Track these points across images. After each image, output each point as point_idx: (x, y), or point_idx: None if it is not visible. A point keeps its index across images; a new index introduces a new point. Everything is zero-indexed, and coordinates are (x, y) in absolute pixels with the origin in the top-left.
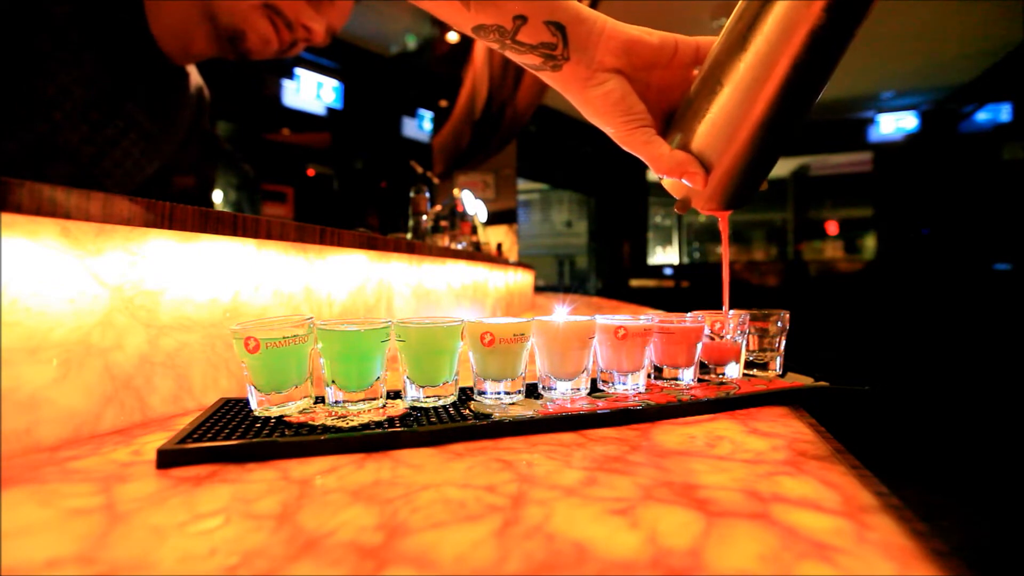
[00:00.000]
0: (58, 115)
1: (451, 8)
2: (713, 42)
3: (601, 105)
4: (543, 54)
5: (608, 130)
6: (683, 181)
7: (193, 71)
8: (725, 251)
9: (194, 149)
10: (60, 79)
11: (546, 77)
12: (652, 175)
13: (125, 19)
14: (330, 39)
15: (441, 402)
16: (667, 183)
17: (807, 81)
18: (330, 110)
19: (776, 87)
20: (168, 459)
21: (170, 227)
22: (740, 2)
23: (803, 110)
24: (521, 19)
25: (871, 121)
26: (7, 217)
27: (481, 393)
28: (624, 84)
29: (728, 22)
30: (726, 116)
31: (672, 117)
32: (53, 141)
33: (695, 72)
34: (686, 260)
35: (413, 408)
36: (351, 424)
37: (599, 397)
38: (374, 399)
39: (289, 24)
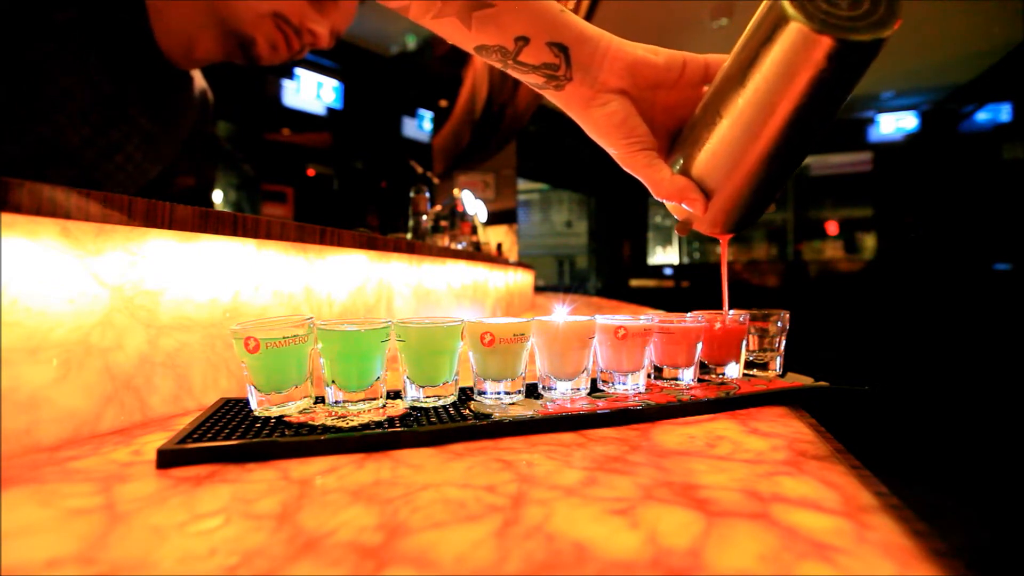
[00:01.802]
0: (60, 118)
1: (452, 28)
2: (721, 61)
3: (604, 126)
4: (545, 74)
5: (610, 150)
6: (683, 206)
7: (197, 74)
8: (724, 271)
9: (196, 152)
10: (62, 82)
11: (549, 95)
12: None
13: (128, 22)
14: (334, 42)
15: (441, 402)
16: (669, 205)
17: (808, 122)
18: (330, 110)
19: (777, 127)
20: (168, 459)
21: (170, 227)
22: (745, 31)
23: (805, 146)
24: (523, 40)
25: (871, 121)
26: (7, 217)
27: (481, 393)
28: (627, 105)
29: (734, 49)
30: (725, 148)
31: (677, 136)
32: (55, 144)
33: (704, 90)
34: (686, 260)
35: (413, 408)
36: (351, 424)
37: (599, 397)
38: (374, 399)
39: (297, 31)
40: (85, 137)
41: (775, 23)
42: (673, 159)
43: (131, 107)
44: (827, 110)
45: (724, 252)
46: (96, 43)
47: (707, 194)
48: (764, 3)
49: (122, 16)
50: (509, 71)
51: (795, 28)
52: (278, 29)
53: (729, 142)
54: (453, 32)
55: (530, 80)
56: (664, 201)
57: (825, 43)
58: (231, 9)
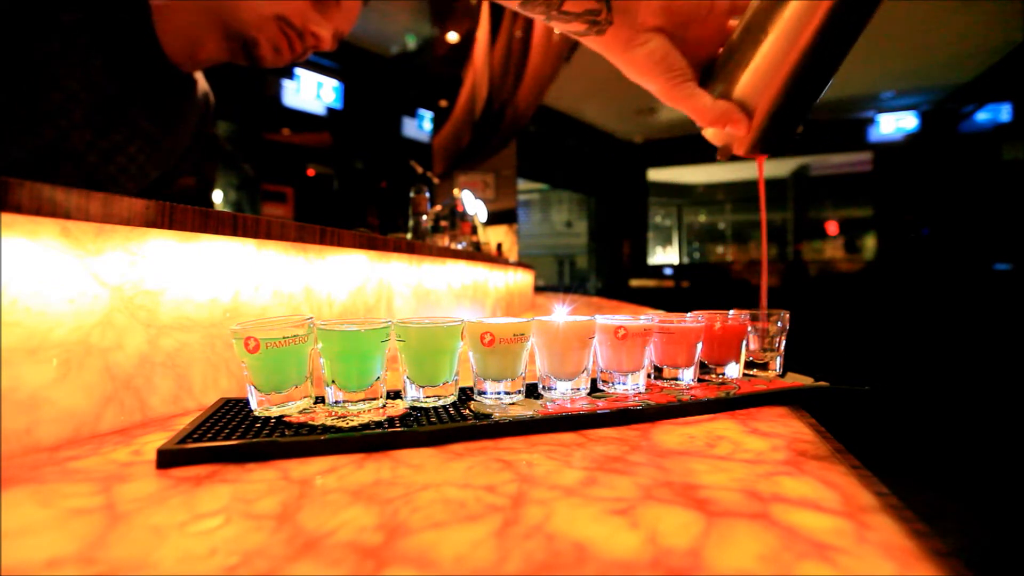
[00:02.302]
0: (63, 121)
1: None
2: None
3: (645, 64)
4: (588, 20)
5: (651, 86)
6: (726, 129)
7: (199, 76)
8: (762, 193)
9: (198, 153)
10: (68, 85)
11: (589, 42)
12: (653, 175)
13: (132, 25)
14: (337, 44)
15: (441, 402)
16: (708, 132)
17: (843, 28)
18: (330, 110)
19: (815, 28)
20: (168, 459)
21: (170, 227)
22: None
23: (837, 58)
24: None
25: (871, 121)
26: (7, 217)
27: (481, 393)
28: (666, 42)
29: None
30: (768, 62)
31: (705, 69)
32: (58, 146)
33: (731, 24)
34: (686, 260)
35: (413, 408)
36: (351, 424)
37: (599, 397)
38: (374, 399)
39: (300, 34)
40: (87, 140)
41: None
42: (712, 86)
43: (134, 109)
44: (858, 17)
45: (761, 172)
46: (101, 45)
47: (748, 115)
48: None
49: (127, 18)
50: (552, 22)
51: None
52: (281, 32)
53: (771, 55)
54: None
55: (571, 28)
56: (705, 129)
57: None
58: (234, 11)
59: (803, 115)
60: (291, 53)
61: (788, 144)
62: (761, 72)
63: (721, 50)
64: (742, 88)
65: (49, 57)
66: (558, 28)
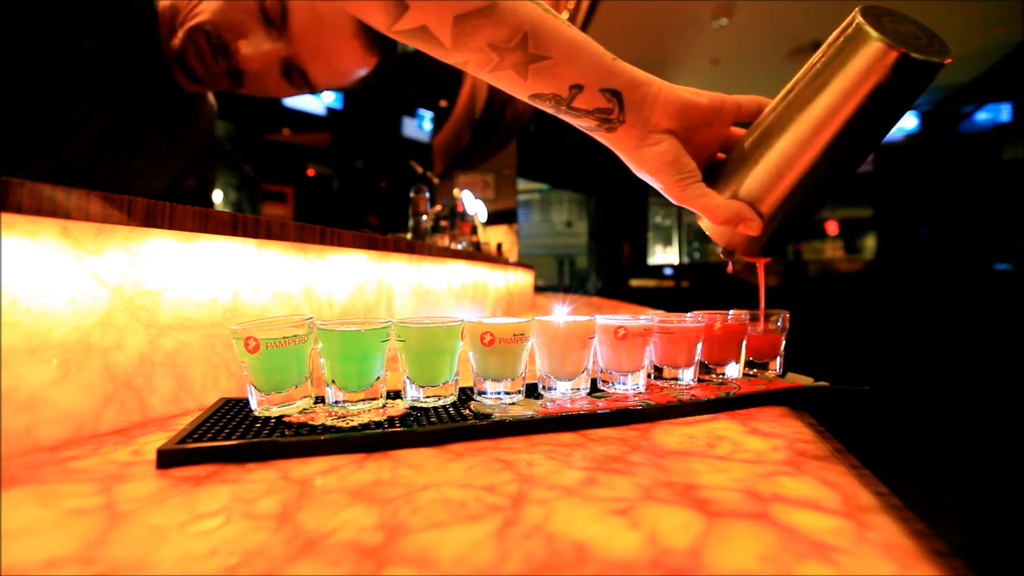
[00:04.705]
0: (78, 140)
1: (509, 80)
2: (752, 100)
3: (656, 164)
4: (599, 118)
5: (658, 185)
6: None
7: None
8: (762, 294)
9: (201, 161)
10: (83, 106)
11: (600, 137)
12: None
13: (147, 46)
14: (305, 84)
15: (441, 402)
16: (712, 231)
17: (861, 135)
18: (330, 110)
19: (836, 130)
20: (168, 459)
21: (170, 227)
22: (815, 55)
23: (852, 163)
24: (577, 88)
25: None
26: (7, 217)
27: (481, 393)
28: (677, 144)
29: (798, 74)
30: (783, 162)
31: (706, 172)
32: (70, 165)
33: (734, 130)
34: (686, 260)
35: (413, 408)
36: (351, 424)
37: (599, 397)
38: (374, 399)
39: (222, 49)
40: (97, 157)
41: (851, 38)
42: (719, 187)
43: (144, 126)
44: (878, 126)
45: (762, 275)
46: (117, 66)
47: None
48: (841, 26)
49: (142, 38)
50: (561, 116)
51: (874, 44)
52: (199, 42)
53: (786, 156)
54: (509, 83)
55: (582, 123)
56: (708, 229)
57: (893, 55)
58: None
59: (805, 222)
60: (203, 68)
61: (786, 247)
62: (770, 174)
63: (721, 155)
64: (753, 187)
65: (69, 80)
66: (569, 121)
